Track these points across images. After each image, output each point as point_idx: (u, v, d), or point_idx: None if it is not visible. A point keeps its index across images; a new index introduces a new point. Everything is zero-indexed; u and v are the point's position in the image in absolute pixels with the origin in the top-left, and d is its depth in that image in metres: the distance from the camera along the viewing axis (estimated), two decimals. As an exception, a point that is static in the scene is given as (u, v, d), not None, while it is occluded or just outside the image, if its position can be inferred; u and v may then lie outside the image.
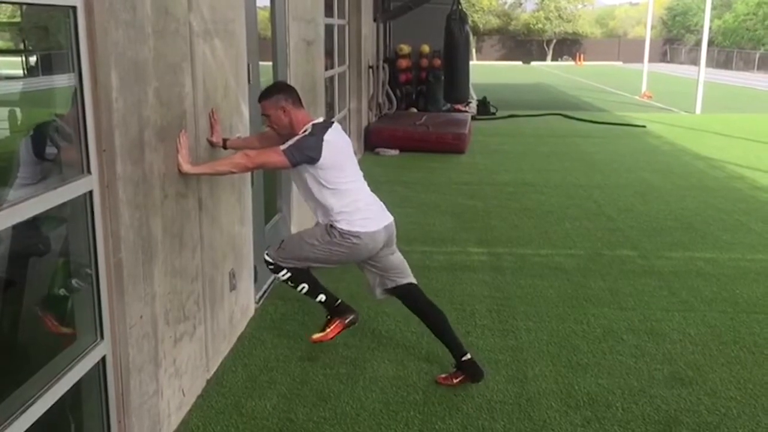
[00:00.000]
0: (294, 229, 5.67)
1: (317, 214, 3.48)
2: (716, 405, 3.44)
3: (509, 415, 3.35)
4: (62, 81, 2.49)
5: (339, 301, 3.69)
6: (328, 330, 3.64)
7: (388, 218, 3.55)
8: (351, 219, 3.39)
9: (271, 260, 3.61)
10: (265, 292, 4.79)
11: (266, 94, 3.47)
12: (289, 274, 3.58)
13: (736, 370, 3.79)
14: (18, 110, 3.15)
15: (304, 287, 3.62)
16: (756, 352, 4.00)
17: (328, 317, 3.68)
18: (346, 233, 3.39)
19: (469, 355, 3.62)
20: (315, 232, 3.51)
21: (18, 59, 3.32)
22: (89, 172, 2.44)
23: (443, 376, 3.64)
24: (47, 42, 2.74)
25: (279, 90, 3.50)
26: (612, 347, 4.05)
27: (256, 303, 4.58)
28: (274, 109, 3.41)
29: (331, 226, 3.41)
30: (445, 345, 3.68)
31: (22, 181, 2.54)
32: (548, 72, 39.39)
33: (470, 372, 3.60)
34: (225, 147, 3.64)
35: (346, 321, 3.65)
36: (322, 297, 3.65)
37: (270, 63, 5.13)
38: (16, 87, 3.35)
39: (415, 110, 13.81)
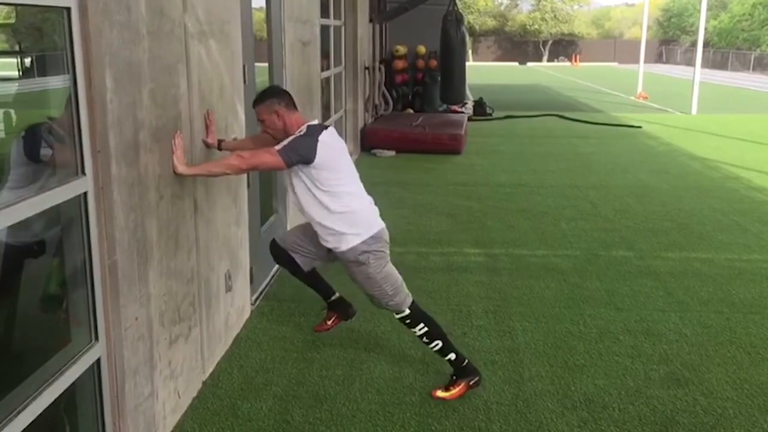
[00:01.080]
0: (290, 228, 5.65)
1: (313, 218, 3.42)
2: (712, 405, 3.44)
3: (506, 416, 3.34)
4: (57, 82, 2.48)
5: (466, 360, 3.57)
6: (454, 391, 3.48)
7: (381, 224, 3.53)
8: (357, 230, 3.37)
9: (403, 313, 3.51)
10: (260, 293, 4.78)
11: (259, 99, 3.46)
12: (425, 329, 3.50)
13: (732, 370, 3.80)
14: (12, 112, 3.14)
15: (438, 344, 3.51)
16: (752, 353, 4.01)
17: (453, 377, 3.53)
18: (369, 242, 3.38)
19: (337, 294, 3.94)
20: (363, 271, 3.44)
21: (13, 60, 3.32)
22: (84, 173, 2.43)
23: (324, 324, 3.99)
24: (42, 43, 2.73)
25: (272, 94, 3.48)
26: (608, 348, 4.05)
27: (252, 304, 4.57)
28: (268, 113, 3.40)
29: (360, 255, 3.38)
30: (315, 290, 3.96)
31: (12, 184, 2.53)
32: (544, 73, 39.45)
33: (339, 310, 3.96)
34: (220, 148, 3.64)
35: (471, 383, 3.51)
36: (452, 356, 3.53)
37: (266, 64, 5.12)
38: (11, 88, 3.34)
39: (411, 111, 13.82)
